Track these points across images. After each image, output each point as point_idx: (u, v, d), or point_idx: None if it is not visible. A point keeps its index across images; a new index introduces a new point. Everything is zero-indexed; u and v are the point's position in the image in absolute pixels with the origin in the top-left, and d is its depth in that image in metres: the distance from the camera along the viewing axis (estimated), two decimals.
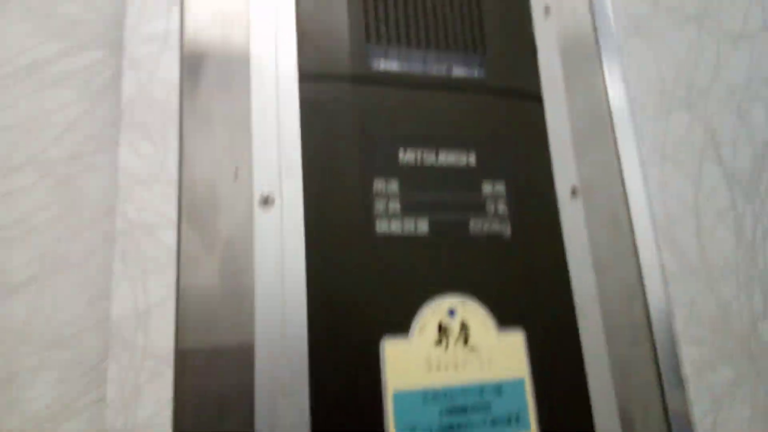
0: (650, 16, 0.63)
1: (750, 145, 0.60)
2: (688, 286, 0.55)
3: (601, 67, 0.61)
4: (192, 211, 0.44)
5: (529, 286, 0.50)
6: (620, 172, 0.58)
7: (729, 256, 0.57)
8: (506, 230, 0.50)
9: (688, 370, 0.52)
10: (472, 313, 0.47)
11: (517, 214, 0.51)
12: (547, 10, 0.59)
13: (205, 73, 0.48)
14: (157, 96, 0.45)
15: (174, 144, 0.44)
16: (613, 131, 0.59)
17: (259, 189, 0.45)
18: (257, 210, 0.44)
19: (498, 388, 0.46)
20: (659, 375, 0.52)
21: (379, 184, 0.48)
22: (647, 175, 0.58)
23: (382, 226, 0.47)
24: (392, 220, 0.47)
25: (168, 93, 0.45)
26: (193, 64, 0.47)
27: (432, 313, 0.46)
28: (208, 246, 0.43)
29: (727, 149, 0.60)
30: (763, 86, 0.62)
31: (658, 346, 0.53)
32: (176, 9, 0.47)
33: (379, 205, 0.47)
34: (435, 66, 0.53)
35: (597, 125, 0.59)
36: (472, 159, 0.51)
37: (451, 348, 0.46)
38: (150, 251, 0.42)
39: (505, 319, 0.48)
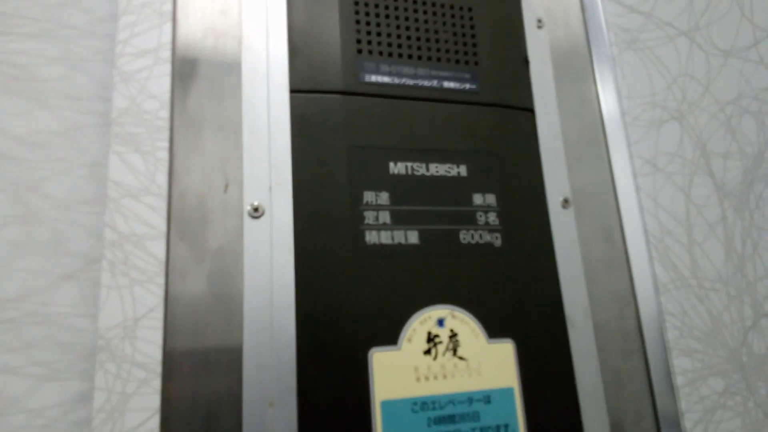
0: (642, 29, 0.64)
1: (740, 159, 0.61)
2: (679, 297, 0.55)
3: (593, 79, 0.62)
4: (181, 222, 0.44)
5: (519, 297, 0.50)
6: (613, 183, 0.58)
7: (720, 267, 0.57)
8: (497, 241, 0.50)
9: (679, 380, 0.52)
10: (462, 323, 0.47)
11: (507, 225, 0.51)
12: (539, 22, 0.60)
13: (196, 86, 0.48)
14: (148, 108, 0.46)
15: (164, 156, 0.45)
16: (605, 143, 0.59)
17: (249, 200, 0.45)
18: (246, 221, 0.45)
19: (487, 398, 0.46)
20: (650, 385, 0.52)
21: (369, 196, 0.48)
22: (639, 186, 0.58)
23: (371, 238, 0.47)
24: (382, 232, 0.47)
25: (159, 106, 0.46)
26: (184, 78, 0.48)
27: (421, 323, 0.46)
28: (197, 257, 0.44)
29: (717, 162, 0.60)
30: (753, 101, 0.63)
31: (650, 356, 0.53)
32: (168, 23, 0.48)
33: (369, 217, 0.47)
34: (427, 79, 0.53)
35: (589, 137, 0.59)
36: (463, 171, 0.51)
37: (440, 358, 0.46)
38: (139, 262, 0.42)
39: (494, 329, 0.48)
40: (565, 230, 0.53)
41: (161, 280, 0.42)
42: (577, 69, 0.62)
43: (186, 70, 0.48)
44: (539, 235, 0.53)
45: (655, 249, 0.56)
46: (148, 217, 0.43)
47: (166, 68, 0.47)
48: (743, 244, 0.58)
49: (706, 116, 0.62)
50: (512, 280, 0.50)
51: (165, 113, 0.46)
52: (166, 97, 0.46)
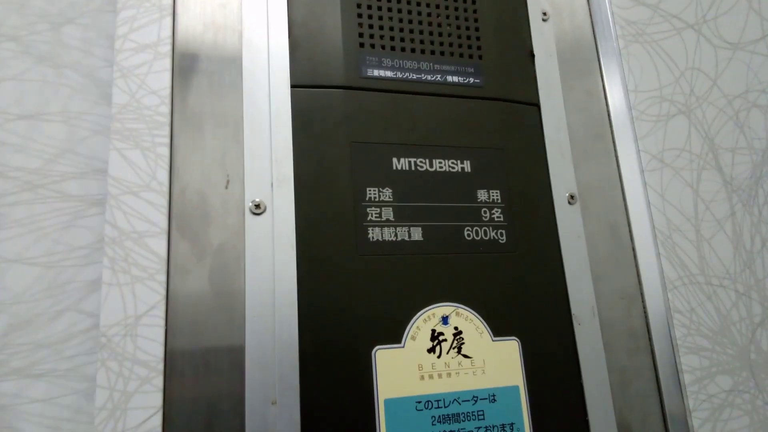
0: (649, 22, 0.63)
1: (748, 154, 0.60)
2: (687, 294, 0.55)
3: (600, 73, 0.61)
4: (182, 218, 0.44)
5: (524, 294, 0.49)
6: (620, 178, 0.57)
7: (728, 264, 0.57)
8: (502, 238, 0.50)
9: (686, 378, 0.52)
10: (466, 320, 0.47)
11: (513, 221, 0.51)
12: (544, 15, 0.59)
13: (197, 81, 0.48)
14: (148, 104, 0.45)
15: (164, 152, 0.44)
16: (612, 138, 0.59)
17: (251, 197, 0.45)
18: (248, 217, 0.44)
19: (492, 396, 0.46)
20: (658, 383, 0.52)
21: (371, 193, 0.47)
22: (646, 182, 0.57)
23: (374, 234, 0.46)
24: (385, 228, 0.47)
25: (158, 101, 0.46)
26: (184, 72, 0.48)
27: (425, 320, 0.46)
28: (198, 253, 0.43)
29: (726, 157, 0.60)
30: (761, 95, 0.62)
31: (657, 354, 0.52)
32: (168, 18, 0.48)
33: (372, 213, 0.47)
34: (430, 73, 0.53)
35: (596, 131, 0.58)
36: (467, 166, 0.51)
37: (444, 356, 0.46)
38: (139, 259, 0.42)
39: (500, 326, 0.47)
40: (571, 227, 0.53)
41: (162, 278, 0.42)
42: (583, 62, 0.61)
43: (186, 64, 0.48)
44: (545, 232, 0.52)
45: (663, 245, 0.55)
46: (149, 214, 0.43)
47: (166, 63, 0.47)
48: (752, 240, 0.58)
49: (714, 110, 0.61)
50: (518, 278, 0.49)
51: (165, 109, 0.45)
52: (166, 92, 0.46)
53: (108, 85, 0.49)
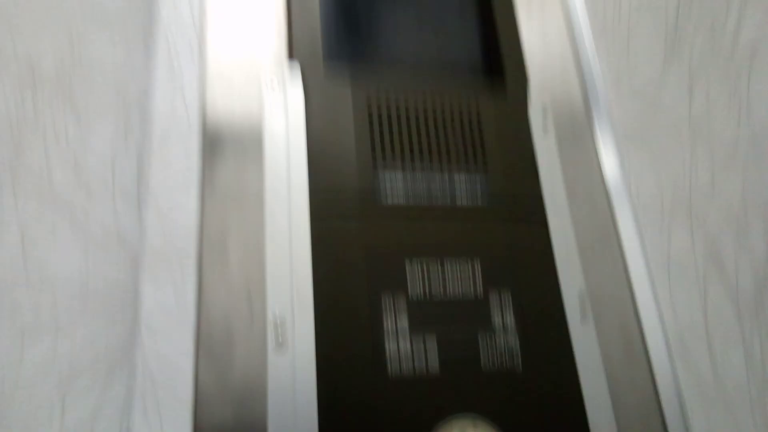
0: (649, 126, 0.64)
1: (750, 260, 0.60)
2: (706, 411, 0.54)
3: (601, 177, 0.62)
4: (209, 350, 0.44)
5: (541, 411, 0.49)
6: (630, 290, 0.58)
7: (741, 377, 0.56)
8: (517, 356, 0.50)
9: None
10: None
11: (526, 339, 0.51)
12: (545, 127, 0.61)
13: (222, 209, 0.49)
14: (177, 237, 0.46)
15: (192, 287, 0.45)
16: (619, 242, 0.60)
17: (273, 327, 0.46)
18: (270, 349, 0.45)
19: None
20: None
21: (387, 298, 0.49)
22: (656, 292, 0.58)
23: (391, 347, 0.47)
24: (401, 340, 0.48)
25: (186, 234, 0.47)
26: (212, 197, 0.49)
27: None
28: (223, 388, 0.43)
29: (729, 264, 0.60)
30: (761, 195, 0.62)
31: None
32: (195, 156, 0.49)
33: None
34: (440, 187, 0.55)
35: (602, 238, 0.59)
36: (479, 270, 0.52)
37: None
38: (167, 392, 0.42)
39: None
40: (585, 343, 0.53)
41: (189, 413, 0.41)
42: (585, 160, 0.62)
43: (212, 193, 0.49)
44: (559, 349, 0.53)
45: (678, 358, 0.56)
46: (178, 347, 0.43)
47: (193, 193, 0.48)
48: (762, 351, 0.57)
49: (716, 213, 0.61)
50: (533, 391, 0.50)
51: (193, 239, 0.46)
52: (194, 225, 0.47)
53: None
